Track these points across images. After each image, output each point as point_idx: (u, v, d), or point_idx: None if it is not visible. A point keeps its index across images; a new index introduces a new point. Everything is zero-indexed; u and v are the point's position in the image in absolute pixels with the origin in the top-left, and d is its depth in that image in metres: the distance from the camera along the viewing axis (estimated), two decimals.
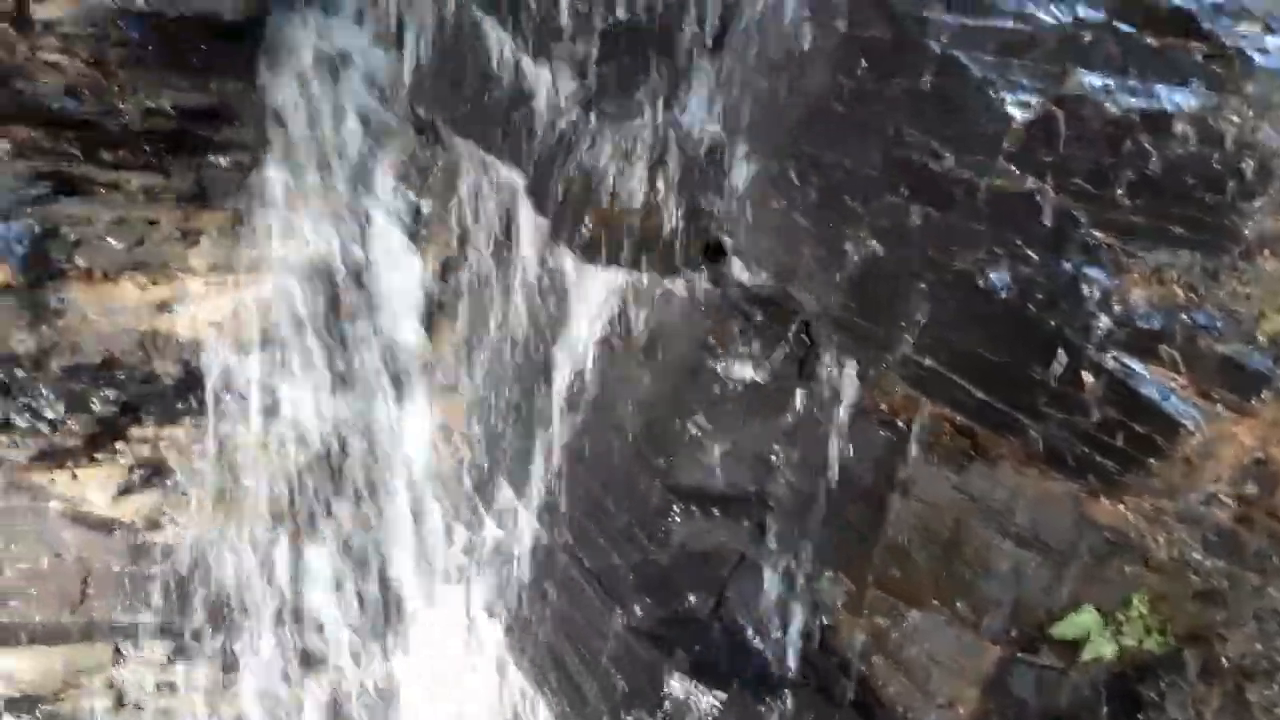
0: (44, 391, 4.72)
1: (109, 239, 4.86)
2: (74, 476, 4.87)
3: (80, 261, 4.80)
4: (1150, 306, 1.99)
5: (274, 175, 5.25)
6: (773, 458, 3.14)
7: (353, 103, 5.53)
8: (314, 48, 5.49)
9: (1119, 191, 2.06)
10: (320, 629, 5.41)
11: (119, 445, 4.91)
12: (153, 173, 5.02)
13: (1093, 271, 2.08)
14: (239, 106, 5.26)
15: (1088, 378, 2.03)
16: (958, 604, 2.59)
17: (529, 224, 4.21)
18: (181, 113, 5.02)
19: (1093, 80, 2.20)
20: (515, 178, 4.22)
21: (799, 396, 3.10)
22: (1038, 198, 2.25)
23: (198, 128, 5.14)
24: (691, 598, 3.40)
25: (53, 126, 4.83)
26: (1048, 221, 2.21)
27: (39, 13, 4.64)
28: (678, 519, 3.27)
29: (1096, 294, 2.06)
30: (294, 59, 5.45)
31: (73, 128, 4.86)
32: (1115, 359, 1.99)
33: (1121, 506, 2.15)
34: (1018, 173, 2.31)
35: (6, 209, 4.62)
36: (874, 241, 2.68)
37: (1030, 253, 2.23)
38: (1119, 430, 2.06)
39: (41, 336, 4.66)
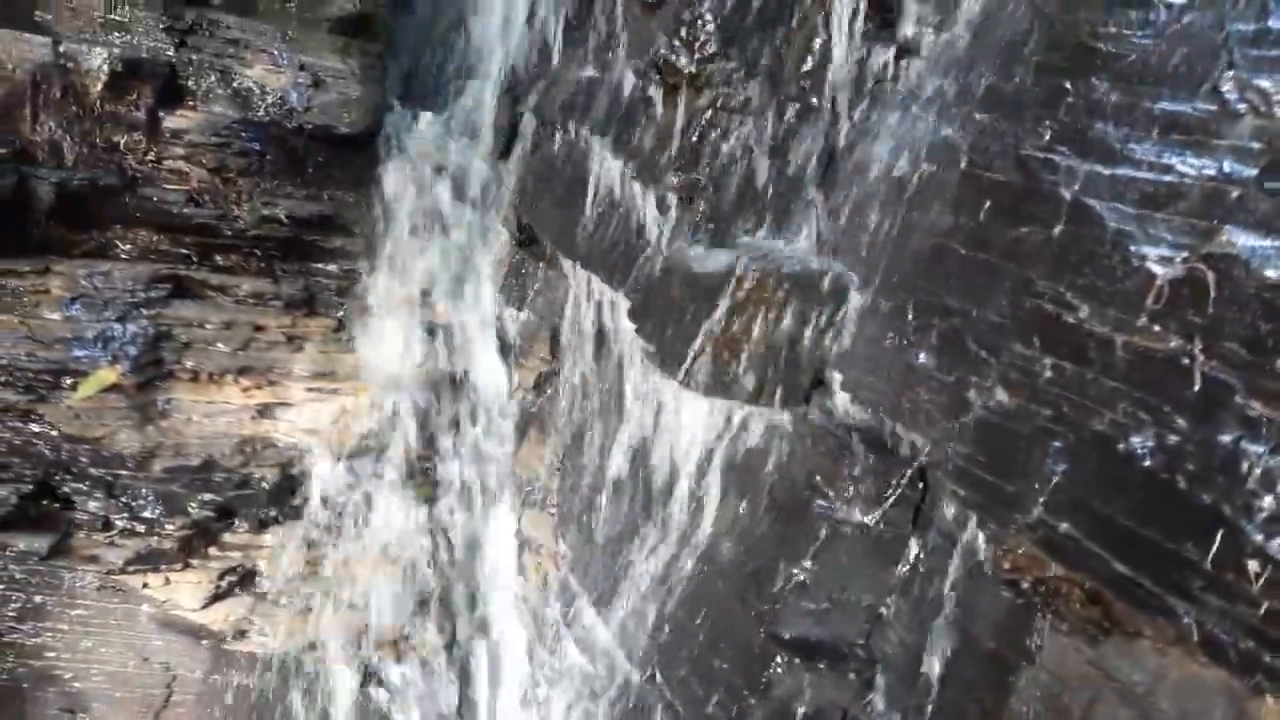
0: (144, 492, 4.81)
1: (217, 342, 4.98)
2: (167, 580, 4.92)
3: (188, 363, 4.92)
4: None
5: (379, 284, 5.36)
6: (884, 610, 2.98)
7: (458, 213, 5.65)
8: (424, 159, 5.65)
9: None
10: None
11: (212, 550, 4.96)
12: (263, 278, 5.17)
13: (1253, 447, 1.93)
14: (349, 215, 5.43)
15: (1252, 565, 1.87)
16: None
17: (630, 346, 4.19)
18: (294, 220, 5.19)
19: (1245, 240, 2.09)
20: (618, 299, 4.22)
21: (914, 546, 2.96)
22: (1185, 361, 2.12)
23: (309, 235, 5.30)
24: None
25: (173, 231, 5.02)
26: (1197, 387, 2.08)
27: (168, 122, 4.87)
28: (779, 670, 3.11)
29: (1258, 471, 1.91)
30: (404, 170, 5.61)
31: (191, 232, 5.05)
32: None
33: None
34: (1161, 332, 2.19)
35: (123, 311, 4.77)
36: (1002, 391, 2.57)
37: (1179, 419, 2.09)
38: None
39: (146, 437, 4.76)
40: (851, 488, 3.06)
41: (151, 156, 4.81)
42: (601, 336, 4.53)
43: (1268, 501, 1.88)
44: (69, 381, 4.60)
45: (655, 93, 3.69)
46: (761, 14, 3.38)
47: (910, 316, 3.00)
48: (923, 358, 2.90)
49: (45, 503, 4.72)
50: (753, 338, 3.38)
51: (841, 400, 3.32)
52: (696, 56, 3.44)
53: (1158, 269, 2.25)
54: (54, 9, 4.62)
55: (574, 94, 4.72)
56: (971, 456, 2.61)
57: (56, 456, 4.66)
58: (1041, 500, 2.36)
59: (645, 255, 3.95)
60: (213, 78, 4.88)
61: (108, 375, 4.61)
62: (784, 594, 3.13)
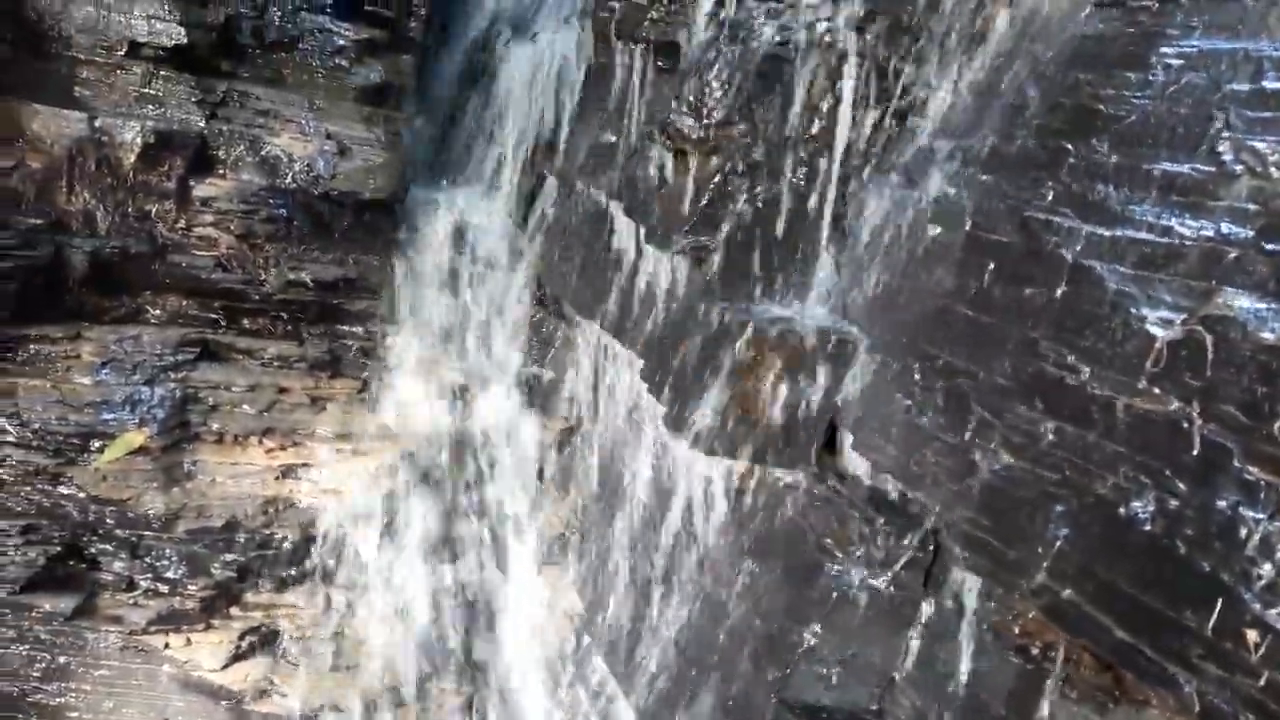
0: (168, 553, 4.86)
1: (243, 404, 5.06)
2: (188, 640, 4.95)
3: (214, 425, 5.00)
4: None
5: (401, 345, 5.43)
6: (895, 675, 2.94)
7: (480, 274, 5.72)
8: (447, 223, 5.75)
9: (1277, 426, 1.90)
10: None
11: (234, 610, 4.99)
12: (289, 341, 5.26)
13: (1250, 512, 1.90)
14: (374, 278, 5.52)
15: (1251, 635, 1.83)
16: None
17: (644, 405, 4.21)
18: (319, 284, 5.28)
19: (1242, 302, 2.08)
20: (633, 358, 4.24)
21: (925, 609, 2.92)
22: (1184, 424, 2.10)
23: (334, 298, 5.39)
24: None
25: (202, 296, 5.13)
26: (1196, 450, 2.05)
27: (198, 191, 5.00)
28: None
29: (1257, 538, 1.88)
30: (428, 234, 5.71)
31: (219, 297, 5.15)
32: None
33: None
34: (1161, 395, 2.17)
35: (152, 374, 4.87)
36: (1006, 454, 2.55)
37: (1179, 484, 2.07)
38: None
39: (171, 499, 4.83)
40: (861, 550, 3.04)
41: (181, 224, 4.94)
42: (618, 395, 4.55)
43: (1266, 569, 1.84)
44: (97, 444, 4.69)
45: (666, 158, 3.75)
46: (768, 81, 3.43)
47: (917, 377, 3.00)
48: (929, 419, 2.89)
49: (72, 563, 4.79)
50: (762, 398, 3.39)
51: (851, 460, 3.32)
52: (705, 123, 3.49)
53: (1157, 331, 2.25)
54: (93, 85, 4.79)
55: (592, 157, 4.81)
56: (976, 520, 2.59)
57: (84, 518, 4.74)
58: (1045, 566, 2.33)
59: (657, 316, 3.99)
60: (242, 147, 5.02)
61: (135, 438, 4.70)
62: (795, 659, 3.10)
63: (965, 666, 2.74)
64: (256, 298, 5.16)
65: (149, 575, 4.83)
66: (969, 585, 2.75)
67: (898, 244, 3.29)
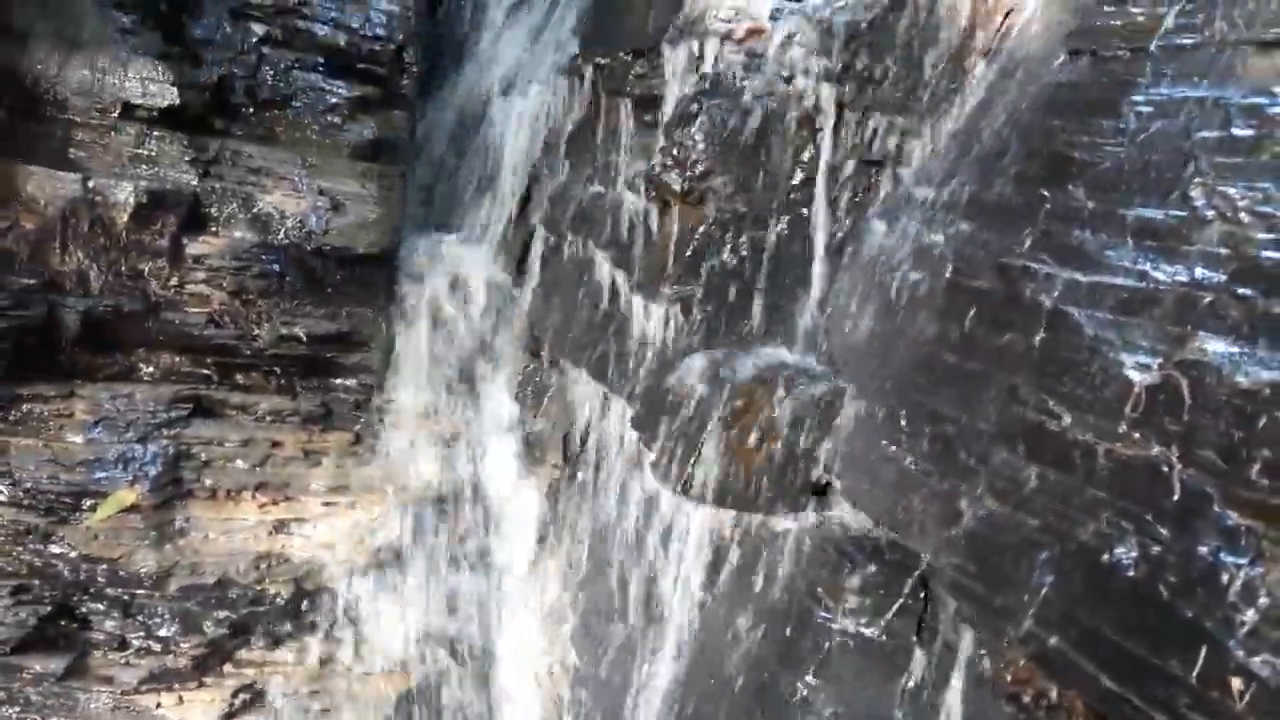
0: (160, 611, 4.82)
1: (236, 460, 5.05)
2: (180, 699, 4.89)
3: (207, 481, 4.98)
4: None
5: (395, 398, 5.44)
6: None
7: (474, 325, 5.75)
8: (440, 276, 5.78)
9: (1255, 470, 1.91)
10: None
11: (227, 667, 4.94)
12: (282, 395, 5.26)
13: (1231, 558, 1.90)
14: (367, 331, 5.53)
15: (1236, 683, 1.82)
16: None
17: (635, 454, 4.21)
18: (313, 338, 5.29)
19: (1217, 346, 2.09)
20: (624, 407, 4.26)
21: (918, 657, 2.90)
22: (1164, 469, 2.11)
23: (327, 351, 5.40)
24: None
25: (194, 352, 5.13)
26: (1176, 496, 2.06)
27: (191, 249, 5.02)
28: None
29: (1238, 584, 1.87)
30: (422, 285, 5.74)
31: (212, 353, 5.15)
32: (1268, 664, 1.78)
33: None
34: (1141, 440, 2.18)
35: (145, 432, 4.87)
36: (991, 500, 2.56)
37: (1160, 529, 2.07)
38: None
39: (164, 556, 4.80)
40: (852, 599, 3.02)
41: (174, 281, 4.96)
42: (610, 444, 4.56)
43: (1249, 615, 1.84)
44: (89, 503, 4.67)
45: (651, 209, 3.79)
46: (748, 134, 3.48)
47: (903, 423, 3.01)
48: (916, 465, 2.90)
49: (63, 623, 4.75)
50: (750, 446, 3.39)
51: (841, 508, 3.32)
52: (687, 175, 3.54)
53: (1135, 376, 2.26)
54: (87, 147, 4.85)
55: (580, 208, 4.85)
56: (963, 567, 2.59)
57: (75, 577, 4.71)
58: (1031, 613, 2.32)
59: (646, 365, 4.00)
60: (234, 205, 5.06)
61: (126, 496, 4.69)
62: (789, 709, 3.07)
63: (959, 714, 2.72)
64: (249, 353, 5.17)
65: (141, 634, 4.79)
66: (961, 632, 2.74)
67: (881, 291, 3.32)
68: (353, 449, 5.32)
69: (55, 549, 4.68)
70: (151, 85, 4.88)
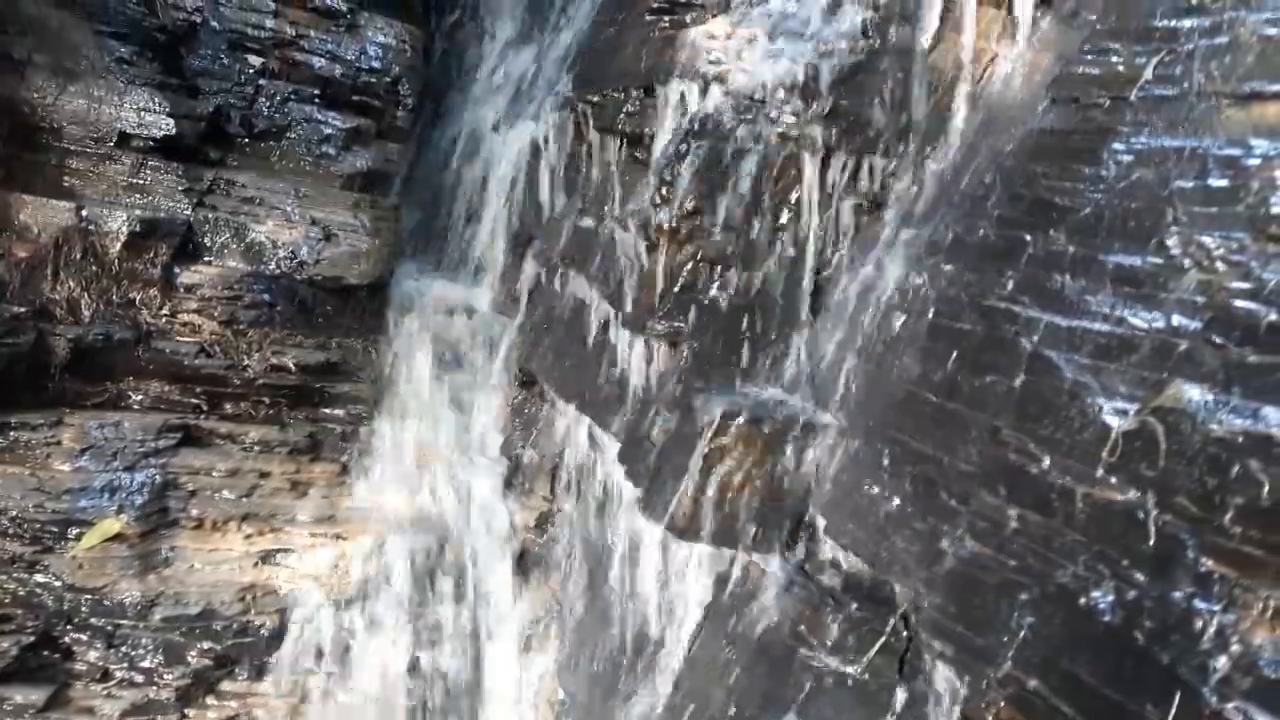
0: (144, 641, 4.80)
1: (223, 490, 5.05)
2: None
3: (193, 511, 4.98)
4: (1277, 652, 1.81)
5: (383, 429, 5.45)
6: None
7: (463, 357, 5.77)
8: (431, 305, 5.82)
9: (1228, 517, 1.93)
10: None
11: (210, 699, 4.91)
12: (271, 425, 5.27)
13: (1205, 604, 1.92)
14: (356, 361, 5.56)
15: None
16: None
17: (621, 489, 4.22)
18: (302, 368, 5.31)
19: (1192, 394, 2.12)
20: (610, 442, 4.27)
21: (900, 696, 2.90)
22: (1140, 514, 2.13)
23: (316, 381, 5.42)
24: None
25: (184, 381, 5.14)
26: (1152, 541, 2.08)
27: (183, 278, 5.06)
28: None
29: (1212, 630, 1.89)
30: (412, 316, 5.77)
31: (202, 382, 5.17)
32: (1240, 711, 1.80)
33: None
34: (1118, 484, 2.21)
35: (132, 460, 4.86)
36: (972, 541, 2.57)
37: (1136, 574, 2.09)
38: None
39: (148, 586, 4.78)
40: (835, 637, 3.03)
41: (165, 310, 4.98)
42: (597, 477, 4.57)
43: (1221, 662, 1.86)
44: (74, 532, 4.66)
45: (640, 245, 3.82)
46: (736, 174, 3.53)
47: (886, 462, 3.03)
48: (898, 505, 2.92)
49: (45, 653, 4.72)
50: (735, 483, 3.41)
51: (825, 545, 3.32)
52: (675, 213, 3.58)
53: (1113, 420, 2.29)
54: (82, 175, 4.88)
55: (572, 242, 4.89)
56: (944, 608, 2.60)
57: (59, 607, 4.68)
58: (1010, 655, 2.33)
59: (634, 400, 4.02)
60: (227, 234, 5.10)
61: (112, 525, 4.67)
62: None
63: None
64: (238, 382, 5.18)
65: (124, 665, 4.76)
66: (942, 672, 2.74)
67: (866, 330, 3.35)
68: (340, 479, 5.32)
69: (40, 578, 4.66)
70: (148, 115, 4.93)
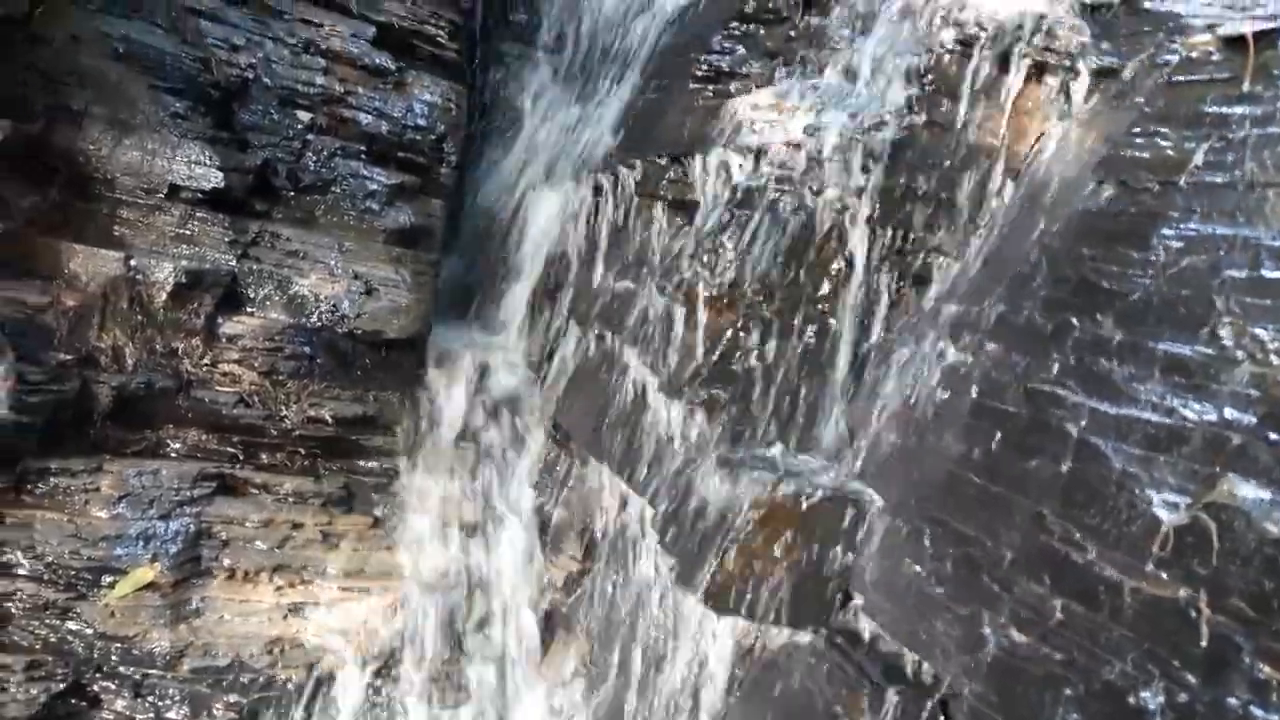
0: (171, 692, 4.78)
1: (255, 540, 5.05)
2: None
3: (225, 561, 4.98)
4: None
5: (417, 482, 5.46)
6: None
7: (498, 413, 5.78)
8: (467, 362, 5.84)
9: None
10: None
11: None
12: (305, 476, 5.28)
13: (1262, 712, 1.87)
14: (392, 415, 5.57)
15: None
16: None
17: (655, 554, 4.19)
18: (339, 421, 5.33)
19: (1246, 491, 2.08)
20: (645, 506, 4.25)
21: None
22: (1193, 613, 2.08)
23: (352, 434, 5.43)
24: None
25: (222, 431, 5.18)
26: (1204, 643, 2.03)
27: (225, 328, 5.10)
28: None
29: None
30: (449, 372, 5.79)
31: (239, 432, 5.20)
32: None
33: None
34: (1169, 581, 2.16)
35: (168, 509, 4.89)
36: (1015, 631, 2.52)
37: (1188, 676, 2.03)
38: None
39: (178, 636, 4.78)
40: (870, 718, 2.97)
41: (207, 360, 5.03)
42: (630, 540, 4.54)
43: None
44: (108, 579, 4.67)
45: (679, 311, 3.83)
46: (779, 243, 3.54)
47: (927, 543, 2.99)
48: (940, 587, 2.87)
49: (74, 701, 4.72)
50: (774, 557, 3.37)
51: (864, 624, 3.27)
52: (717, 281, 3.59)
53: (1163, 514, 2.25)
54: (132, 225, 4.97)
55: (610, 304, 4.91)
56: (984, 696, 2.54)
57: (89, 654, 4.68)
58: None
59: (671, 466, 4.00)
60: (271, 286, 5.16)
61: (145, 573, 4.69)
62: None
63: None
64: (275, 433, 5.21)
65: (150, 715, 4.74)
66: None
67: (908, 405, 3.32)
68: (372, 532, 5.31)
69: (72, 625, 4.67)
70: (198, 168, 5.02)
